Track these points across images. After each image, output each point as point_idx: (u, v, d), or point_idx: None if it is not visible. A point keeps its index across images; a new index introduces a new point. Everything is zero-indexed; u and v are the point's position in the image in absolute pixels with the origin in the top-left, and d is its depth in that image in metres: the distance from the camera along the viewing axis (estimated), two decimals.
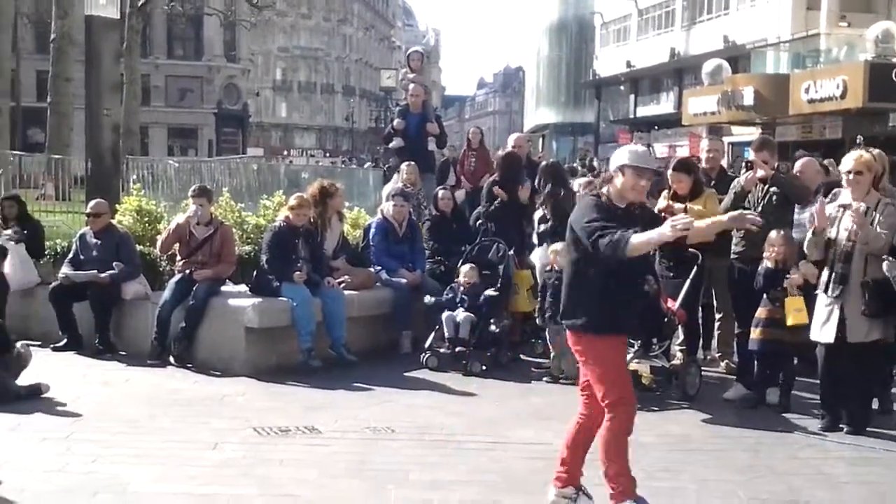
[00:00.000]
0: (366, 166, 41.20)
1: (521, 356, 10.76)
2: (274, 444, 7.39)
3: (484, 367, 10.04)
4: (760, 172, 9.35)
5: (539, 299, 10.03)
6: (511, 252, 10.74)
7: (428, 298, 10.59)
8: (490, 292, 10.33)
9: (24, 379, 8.73)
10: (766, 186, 9.30)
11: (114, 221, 11.23)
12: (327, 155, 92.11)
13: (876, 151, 8.40)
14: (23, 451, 7.07)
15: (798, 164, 10.42)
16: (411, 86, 14.75)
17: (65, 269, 10.81)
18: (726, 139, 28.42)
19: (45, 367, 9.31)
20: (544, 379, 9.81)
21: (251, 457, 7.06)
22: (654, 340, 9.08)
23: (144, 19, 44.94)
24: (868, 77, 29.25)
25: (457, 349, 10.15)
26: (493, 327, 10.26)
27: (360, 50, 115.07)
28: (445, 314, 10.25)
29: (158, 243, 10.85)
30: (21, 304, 11.05)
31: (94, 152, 13.85)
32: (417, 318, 10.82)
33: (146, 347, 10.18)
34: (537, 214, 10.83)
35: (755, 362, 8.97)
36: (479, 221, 11.77)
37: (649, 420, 8.42)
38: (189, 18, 72.40)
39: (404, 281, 11.07)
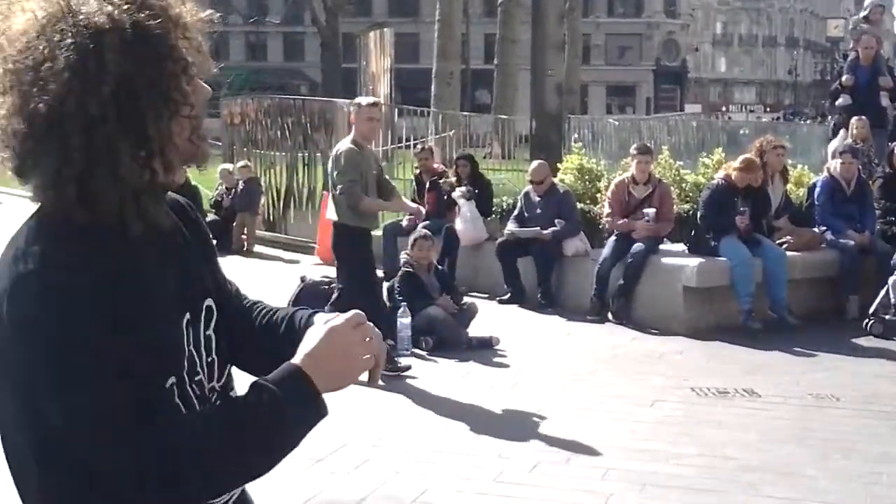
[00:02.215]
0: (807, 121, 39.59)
1: None
2: (712, 405, 7.35)
3: None
4: None
5: None
6: None
7: None
8: None
9: (477, 331, 9.25)
10: None
11: (555, 180, 11.57)
12: (768, 110, 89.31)
13: None
14: (473, 397, 7.51)
15: None
16: (863, 37, 13.93)
17: (510, 226, 11.29)
18: None
19: (491, 318, 9.82)
20: None
21: (689, 416, 7.06)
22: None
23: None
24: None
25: None
26: None
27: None
28: (892, 279, 9.64)
29: (606, 218, 10.88)
30: (470, 258, 11.72)
31: (538, 112, 14.33)
32: (866, 282, 10.25)
33: (585, 303, 10.43)
34: None
35: None
36: None
37: None
38: None
39: (852, 242, 10.50)
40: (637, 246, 10.25)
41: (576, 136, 18.55)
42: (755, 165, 10.23)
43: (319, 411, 1.63)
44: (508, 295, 11.10)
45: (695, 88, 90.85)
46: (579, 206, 11.37)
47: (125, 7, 1.58)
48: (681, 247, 10.54)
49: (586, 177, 12.15)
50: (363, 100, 8.47)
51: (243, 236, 15.23)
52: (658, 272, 10.10)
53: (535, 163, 11.71)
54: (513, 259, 11.15)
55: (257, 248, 15.34)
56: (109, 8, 1.57)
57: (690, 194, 11.64)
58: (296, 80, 54.16)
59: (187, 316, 1.71)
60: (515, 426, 6.79)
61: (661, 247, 10.49)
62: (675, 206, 10.97)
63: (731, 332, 9.53)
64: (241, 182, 15.54)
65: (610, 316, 10.23)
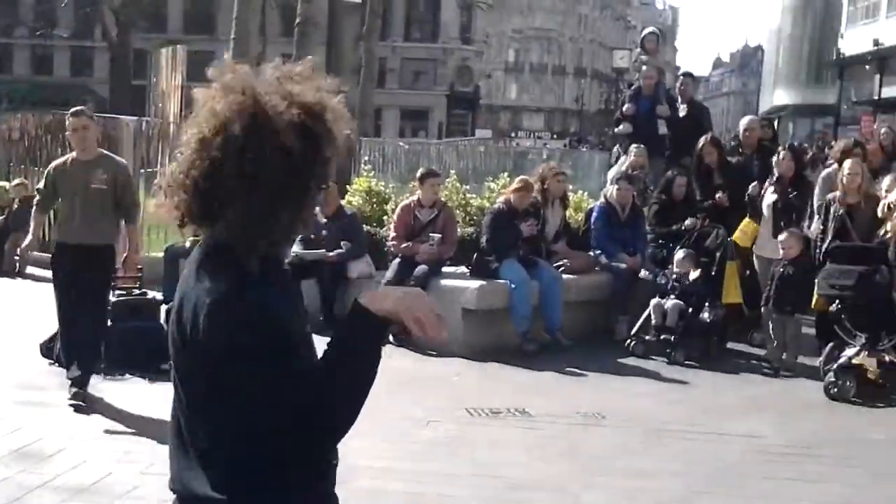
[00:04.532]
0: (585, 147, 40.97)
1: (736, 346, 10.46)
2: (485, 426, 7.51)
3: (691, 357, 9.83)
4: None
5: (769, 288, 9.72)
6: (730, 239, 10.48)
7: (644, 273, 10.63)
8: (695, 277, 10.10)
9: None
10: None
11: (343, 202, 11.60)
12: (554, 137, 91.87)
13: None
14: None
15: None
16: (644, 68, 14.56)
17: (296, 248, 11.24)
18: None
19: None
20: (764, 370, 9.56)
21: (463, 437, 7.20)
22: (884, 334, 8.71)
23: (385, 3, 46.04)
24: None
25: (662, 337, 9.99)
26: (705, 315, 10.04)
27: (594, 30, 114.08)
28: (654, 301, 10.08)
29: (392, 242, 10.96)
30: None
31: None
32: (635, 304, 10.70)
33: None
34: (767, 200, 10.50)
35: None
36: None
37: (877, 417, 8.13)
38: (427, 1, 73.76)
39: (624, 265, 10.94)
40: (420, 269, 10.38)
41: (366, 158, 18.67)
42: (529, 185, 10.60)
43: (376, 328, 2.31)
44: None
45: (486, 114, 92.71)
46: (366, 228, 11.43)
47: (297, 111, 2.24)
48: (463, 269, 10.73)
49: (374, 199, 12.22)
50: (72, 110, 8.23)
51: (16, 257, 14.41)
52: (439, 294, 10.19)
53: None
54: (297, 281, 11.08)
55: (29, 270, 14.64)
56: (294, 111, 2.23)
57: (475, 217, 11.85)
58: (82, 96, 52.38)
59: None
60: None
61: (444, 269, 10.66)
62: (459, 230, 11.16)
63: (509, 354, 9.75)
64: (16, 201, 14.89)
65: (391, 338, 10.27)
